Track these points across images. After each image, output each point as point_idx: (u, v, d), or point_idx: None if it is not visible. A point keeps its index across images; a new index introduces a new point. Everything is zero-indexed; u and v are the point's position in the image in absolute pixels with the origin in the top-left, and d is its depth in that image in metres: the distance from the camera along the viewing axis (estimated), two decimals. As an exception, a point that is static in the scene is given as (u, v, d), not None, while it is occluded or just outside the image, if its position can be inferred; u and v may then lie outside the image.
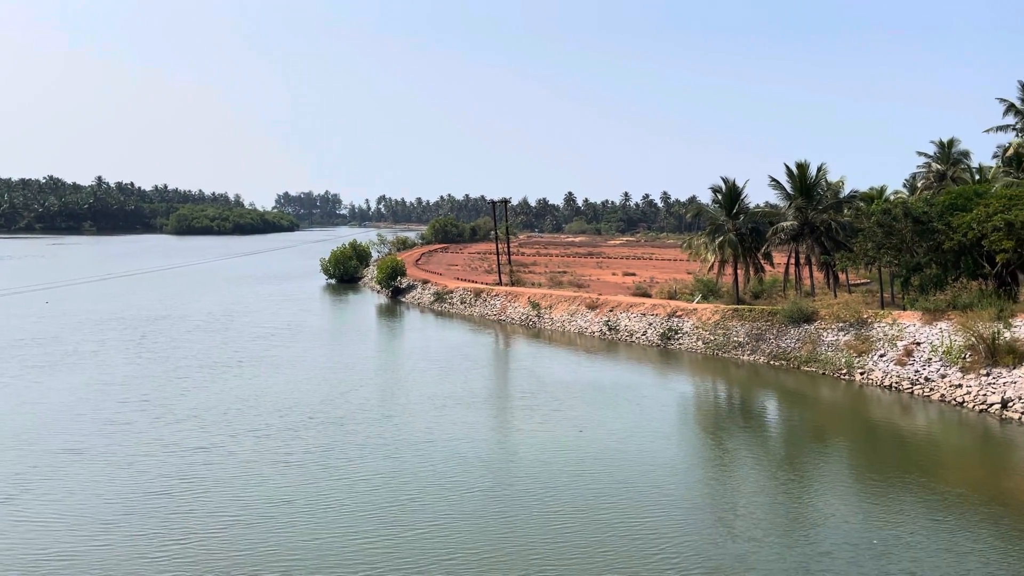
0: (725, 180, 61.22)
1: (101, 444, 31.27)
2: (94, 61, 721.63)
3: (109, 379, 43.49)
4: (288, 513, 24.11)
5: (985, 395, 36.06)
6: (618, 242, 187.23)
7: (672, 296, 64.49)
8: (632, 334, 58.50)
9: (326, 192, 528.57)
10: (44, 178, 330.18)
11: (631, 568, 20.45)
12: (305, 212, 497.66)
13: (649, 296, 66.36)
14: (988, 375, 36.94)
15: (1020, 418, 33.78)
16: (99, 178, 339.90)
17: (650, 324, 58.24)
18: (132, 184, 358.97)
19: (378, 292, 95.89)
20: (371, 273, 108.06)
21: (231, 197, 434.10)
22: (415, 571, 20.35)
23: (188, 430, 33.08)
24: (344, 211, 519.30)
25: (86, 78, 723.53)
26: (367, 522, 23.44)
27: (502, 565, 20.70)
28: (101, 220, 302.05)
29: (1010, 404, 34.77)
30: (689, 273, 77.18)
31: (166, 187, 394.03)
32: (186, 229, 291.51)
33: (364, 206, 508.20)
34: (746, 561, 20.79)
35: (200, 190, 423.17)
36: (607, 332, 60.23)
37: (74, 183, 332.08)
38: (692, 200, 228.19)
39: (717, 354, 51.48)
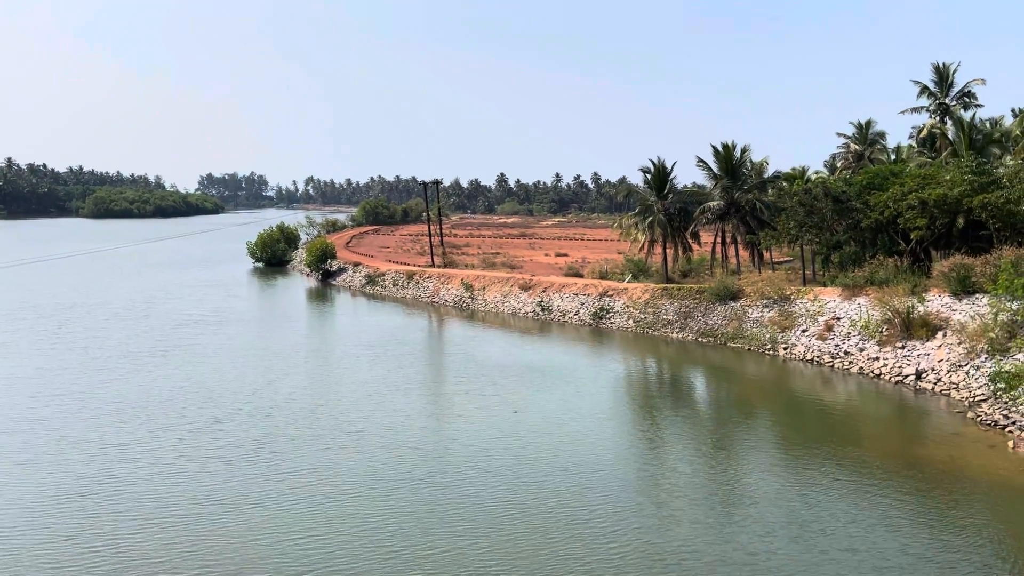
0: (654, 162, 62.02)
1: (8, 442, 29.60)
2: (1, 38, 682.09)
3: (20, 372, 41.34)
4: (214, 512, 23.14)
5: (901, 367, 37.57)
6: (550, 223, 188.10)
7: (603, 276, 65.14)
8: (565, 314, 58.88)
9: (252, 173, 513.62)
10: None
11: (576, 556, 20.17)
12: (230, 194, 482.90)
13: (581, 276, 66.87)
14: (903, 348, 38.48)
15: (933, 388, 35.32)
16: (9, 159, 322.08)
17: (582, 304, 58.72)
18: (45, 166, 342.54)
19: (308, 275, 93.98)
20: (300, 256, 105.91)
21: (151, 179, 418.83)
22: (350, 569, 19.82)
23: (106, 425, 31.66)
24: (271, 193, 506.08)
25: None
26: (299, 519, 22.62)
27: (442, 556, 20.30)
28: (12, 203, 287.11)
29: (924, 375, 36.32)
30: (620, 253, 78.01)
31: (81, 169, 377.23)
32: (104, 212, 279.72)
33: (292, 188, 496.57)
34: (690, 544, 20.78)
35: (118, 172, 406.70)
36: (540, 312, 60.47)
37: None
38: (622, 181, 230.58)
39: (647, 332, 52.25)
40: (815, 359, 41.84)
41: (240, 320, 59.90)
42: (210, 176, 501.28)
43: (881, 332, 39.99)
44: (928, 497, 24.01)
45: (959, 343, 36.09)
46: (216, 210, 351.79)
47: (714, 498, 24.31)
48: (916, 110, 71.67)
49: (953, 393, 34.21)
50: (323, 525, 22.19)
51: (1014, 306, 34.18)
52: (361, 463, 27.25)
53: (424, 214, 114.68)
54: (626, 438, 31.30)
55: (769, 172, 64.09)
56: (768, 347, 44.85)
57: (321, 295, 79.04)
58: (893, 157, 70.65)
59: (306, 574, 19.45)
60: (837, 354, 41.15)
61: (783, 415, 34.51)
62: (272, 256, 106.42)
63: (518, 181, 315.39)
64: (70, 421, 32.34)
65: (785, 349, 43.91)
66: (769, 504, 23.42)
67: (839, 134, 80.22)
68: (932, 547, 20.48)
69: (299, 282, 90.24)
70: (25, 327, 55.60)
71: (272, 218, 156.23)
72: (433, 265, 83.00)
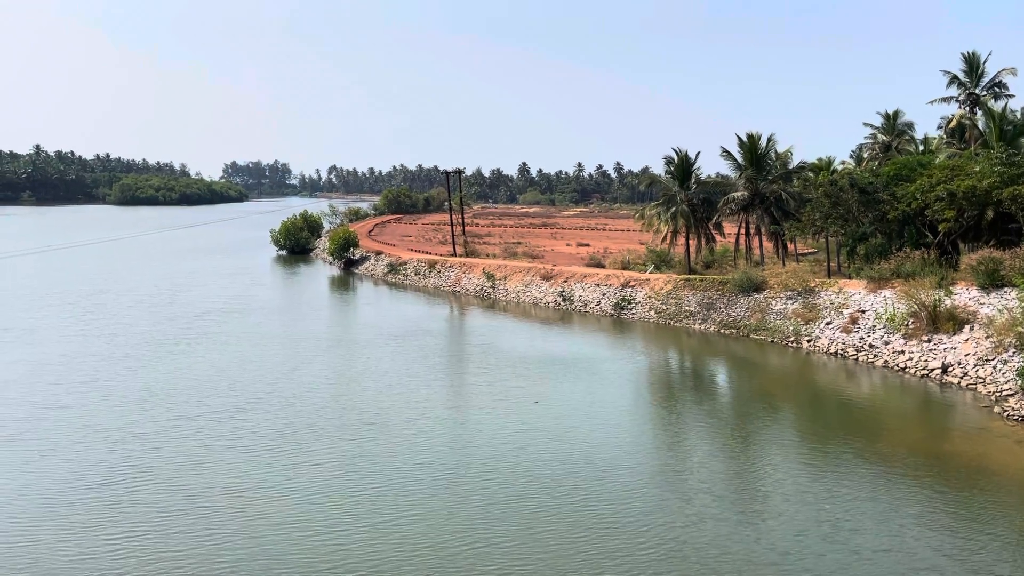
0: (677, 151, 61.52)
1: (31, 429, 29.94)
2: (29, 24, 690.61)
3: (45, 359, 41.92)
4: (235, 503, 23.14)
5: (926, 361, 37.05)
6: (572, 213, 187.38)
7: (625, 266, 64.85)
8: (586, 304, 58.72)
9: (275, 161, 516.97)
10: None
11: (603, 552, 19.90)
12: (254, 182, 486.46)
13: (603, 266, 66.61)
14: (929, 341, 37.93)
15: (959, 382, 34.80)
16: (37, 147, 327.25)
17: (604, 294, 58.51)
18: (72, 153, 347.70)
19: (330, 263, 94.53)
20: (323, 244, 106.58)
21: (176, 166, 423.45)
22: (373, 561, 19.83)
23: (129, 413, 31.96)
24: (294, 181, 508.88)
25: (21, 43, 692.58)
26: (321, 511, 22.60)
27: (464, 551, 20.16)
28: (40, 190, 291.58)
29: (950, 369, 35.79)
30: (642, 243, 77.58)
31: (108, 156, 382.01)
32: (130, 199, 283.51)
33: (315, 176, 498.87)
34: (720, 543, 20.33)
35: (144, 159, 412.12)
36: (562, 302, 60.36)
37: (11, 151, 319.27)
38: (645, 170, 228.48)
39: (669, 323, 51.96)
40: (839, 352, 41.38)
41: (264, 308, 60.39)
42: (234, 164, 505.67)
43: (907, 325, 39.44)
44: (958, 495, 23.56)
45: (986, 337, 35.51)
46: (240, 198, 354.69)
47: (742, 495, 23.88)
48: (945, 100, 70.43)
49: (980, 388, 33.69)
50: (345, 517, 22.17)
51: (1044, 300, 33.54)
52: (383, 455, 27.23)
53: (446, 203, 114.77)
54: (650, 431, 31.09)
55: (794, 162, 63.38)
56: (791, 339, 44.43)
57: (344, 283, 79.46)
58: (921, 148, 69.42)
59: (328, 566, 19.51)
60: (862, 347, 40.67)
61: (808, 409, 34.13)
62: (295, 244, 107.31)
63: (540, 171, 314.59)
64: (94, 409, 32.69)
65: (809, 342, 43.46)
66: (798, 501, 22.93)
67: (866, 124, 79.07)
68: (967, 548, 20.01)
69: (322, 270, 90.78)
70: (51, 313, 56.44)
71: (295, 206, 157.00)
72: (455, 254, 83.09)
